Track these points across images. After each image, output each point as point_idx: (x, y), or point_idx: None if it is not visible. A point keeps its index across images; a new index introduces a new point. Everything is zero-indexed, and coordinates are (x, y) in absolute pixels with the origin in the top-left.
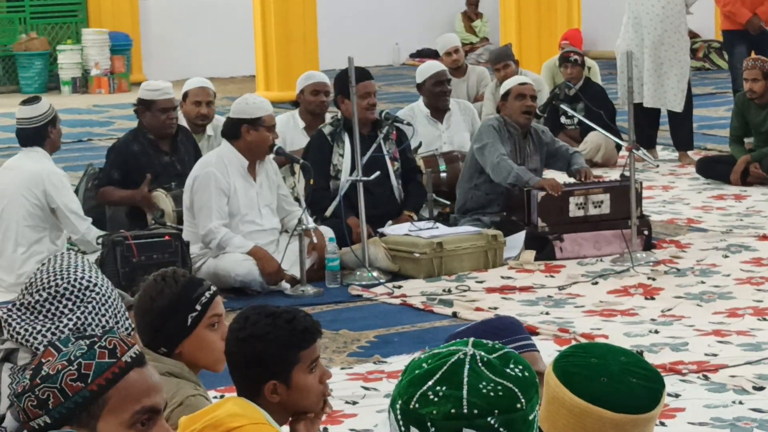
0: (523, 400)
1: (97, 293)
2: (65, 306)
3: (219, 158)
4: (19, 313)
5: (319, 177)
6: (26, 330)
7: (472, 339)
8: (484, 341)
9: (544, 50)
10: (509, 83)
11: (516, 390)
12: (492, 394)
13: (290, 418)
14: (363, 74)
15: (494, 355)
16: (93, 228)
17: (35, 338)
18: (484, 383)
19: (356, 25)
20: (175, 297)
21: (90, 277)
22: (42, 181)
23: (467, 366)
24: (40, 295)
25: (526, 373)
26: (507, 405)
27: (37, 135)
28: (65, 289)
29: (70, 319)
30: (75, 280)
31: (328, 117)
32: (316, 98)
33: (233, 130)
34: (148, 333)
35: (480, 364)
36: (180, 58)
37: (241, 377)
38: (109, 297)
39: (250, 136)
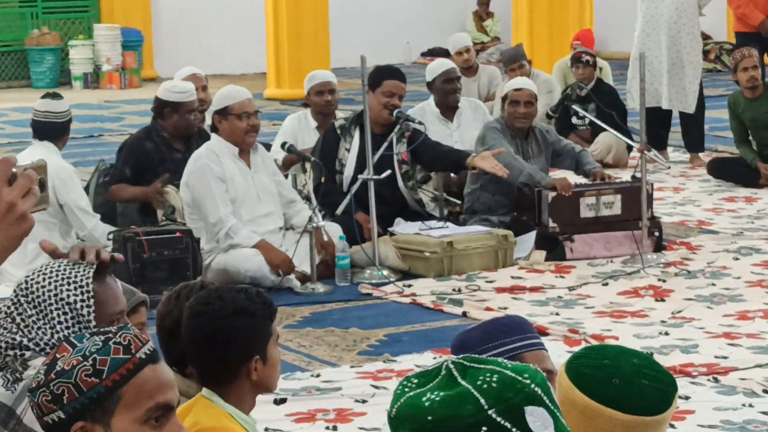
0: None
1: (29, 303)
2: (19, 316)
3: (209, 150)
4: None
5: (327, 171)
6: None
7: None
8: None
9: (555, 50)
10: (507, 87)
11: None
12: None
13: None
14: (395, 74)
15: None
16: (101, 224)
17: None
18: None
19: (367, 24)
20: (181, 320)
21: (29, 285)
22: (51, 176)
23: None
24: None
25: None
26: None
27: (58, 130)
28: (17, 295)
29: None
30: (19, 288)
31: (339, 114)
32: (321, 98)
33: (212, 123)
34: (161, 348)
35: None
36: (191, 55)
37: (221, 359)
38: (43, 302)
39: (221, 126)
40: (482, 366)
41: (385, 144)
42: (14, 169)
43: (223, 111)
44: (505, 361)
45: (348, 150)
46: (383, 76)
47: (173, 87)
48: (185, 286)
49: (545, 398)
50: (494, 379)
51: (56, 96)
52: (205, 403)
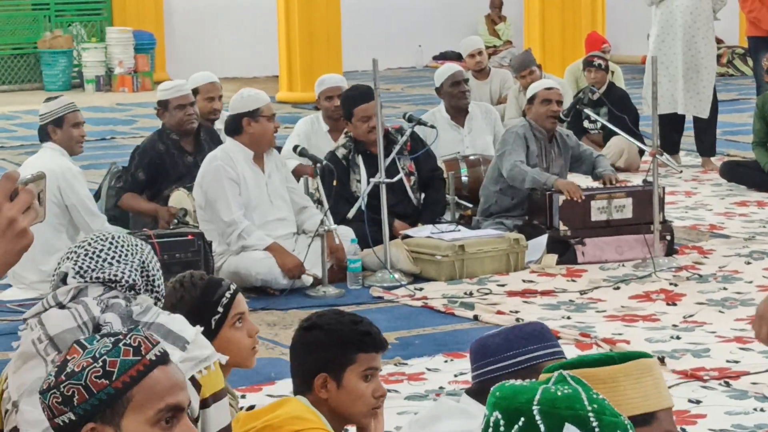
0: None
1: (142, 248)
2: (127, 252)
3: (224, 152)
4: (86, 261)
5: (339, 199)
6: (100, 269)
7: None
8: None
9: (567, 54)
10: (535, 87)
11: None
12: None
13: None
14: (362, 97)
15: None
16: (108, 226)
17: (109, 267)
18: None
19: (379, 27)
20: (195, 303)
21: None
22: (56, 178)
23: None
24: (102, 245)
25: None
26: None
27: (40, 132)
28: (122, 239)
29: (134, 259)
30: (123, 238)
31: None
32: (330, 104)
33: (235, 126)
34: None
35: None
36: (203, 58)
37: (296, 367)
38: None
39: (251, 128)
40: (574, 384)
41: (395, 149)
42: (17, 184)
43: (254, 113)
44: (600, 396)
45: (359, 181)
46: (351, 104)
47: (161, 86)
48: (184, 275)
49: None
50: (567, 391)
51: (49, 99)
52: (297, 402)
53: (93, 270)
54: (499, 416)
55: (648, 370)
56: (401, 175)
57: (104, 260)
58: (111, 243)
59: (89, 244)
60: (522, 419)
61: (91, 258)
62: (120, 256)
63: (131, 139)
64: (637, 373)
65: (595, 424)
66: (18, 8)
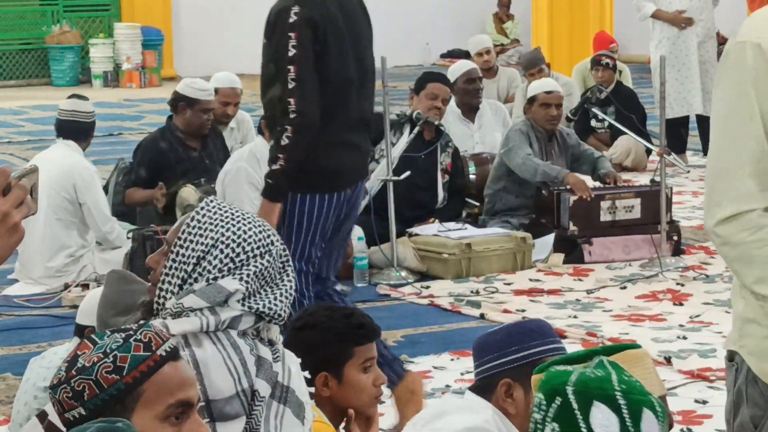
0: None
1: (289, 261)
2: (282, 273)
3: (251, 153)
4: (254, 284)
5: None
6: (264, 300)
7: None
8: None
9: (575, 53)
10: (536, 88)
11: None
12: None
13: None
14: (438, 77)
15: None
16: (117, 227)
17: (272, 298)
18: None
19: (387, 25)
20: None
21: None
22: (72, 175)
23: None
24: (268, 261)
25: None
26: None
27: (83, 130)
28: (278, 253)
29: (291, 288)
30: (279, 251)
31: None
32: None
33: (258, 126)
34: None
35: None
36: (211, 54)
37: None
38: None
39: (268, 130)
40: (610, 368)
41: (404, 144)
42: (10, 178)
43: None
44: (633, 378)
45: (393, 144)
46: (427, 79)
47: (193, 83)
48: None
49: (625, 410)
50: (600, 374)
51: (82, 97)
52: None
53: (257, 299)
54: (541, 397)
55: (634, 361)
56: (407, 173)
57: (269, 286)
58: (273, 257)
59: (253, 255)
60: (558, 399)
61: (258, 279)
62: (278, 278)
63: (138, 135)
64: (621, 365)
65: (622, 402)
66: (26, 3)
